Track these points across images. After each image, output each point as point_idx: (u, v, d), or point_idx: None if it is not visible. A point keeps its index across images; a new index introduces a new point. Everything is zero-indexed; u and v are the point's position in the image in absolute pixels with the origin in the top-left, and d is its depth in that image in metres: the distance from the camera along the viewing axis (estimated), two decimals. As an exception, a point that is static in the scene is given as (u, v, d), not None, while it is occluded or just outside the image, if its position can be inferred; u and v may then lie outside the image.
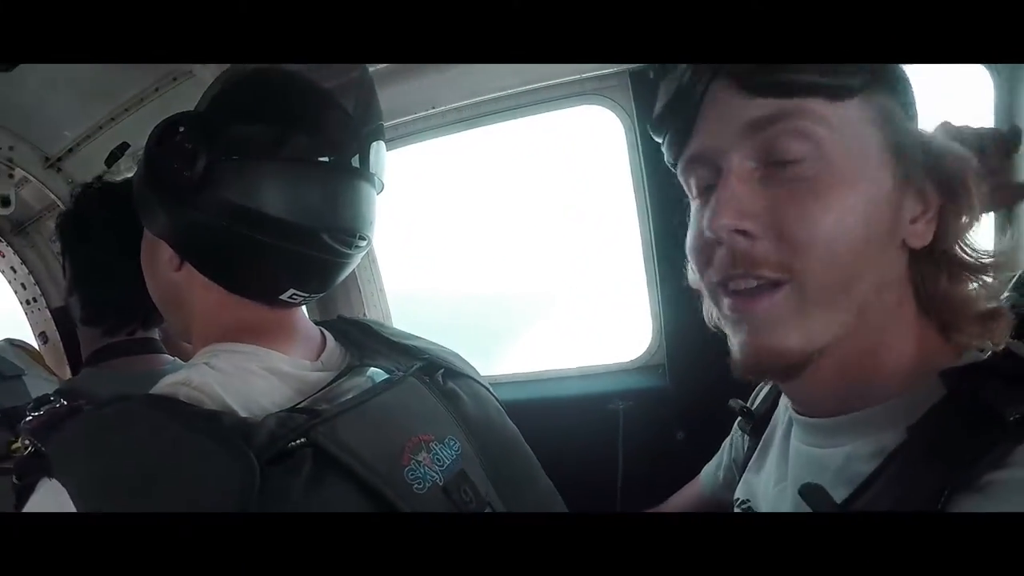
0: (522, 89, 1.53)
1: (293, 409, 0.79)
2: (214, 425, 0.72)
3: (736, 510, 0.88)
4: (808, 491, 0.63)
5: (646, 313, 1.82)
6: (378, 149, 0.96)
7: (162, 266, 0.93)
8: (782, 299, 0.62)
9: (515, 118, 1.63)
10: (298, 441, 0.73)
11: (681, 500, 1.20)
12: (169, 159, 0.86)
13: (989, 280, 0.65)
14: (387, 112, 1.00)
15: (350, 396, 0.85)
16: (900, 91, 0.64)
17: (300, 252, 0.89)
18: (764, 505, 0.81)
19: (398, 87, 1.40)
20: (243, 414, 0.77)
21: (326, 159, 0.89)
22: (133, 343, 1.34)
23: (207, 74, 1.33)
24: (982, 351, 0.63)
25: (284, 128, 0.87)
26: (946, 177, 0.63)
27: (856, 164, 0.61)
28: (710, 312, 0.82)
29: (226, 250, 0.88)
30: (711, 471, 1.14)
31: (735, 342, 0.67)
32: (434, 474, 0.82)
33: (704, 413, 1.12)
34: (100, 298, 1.31)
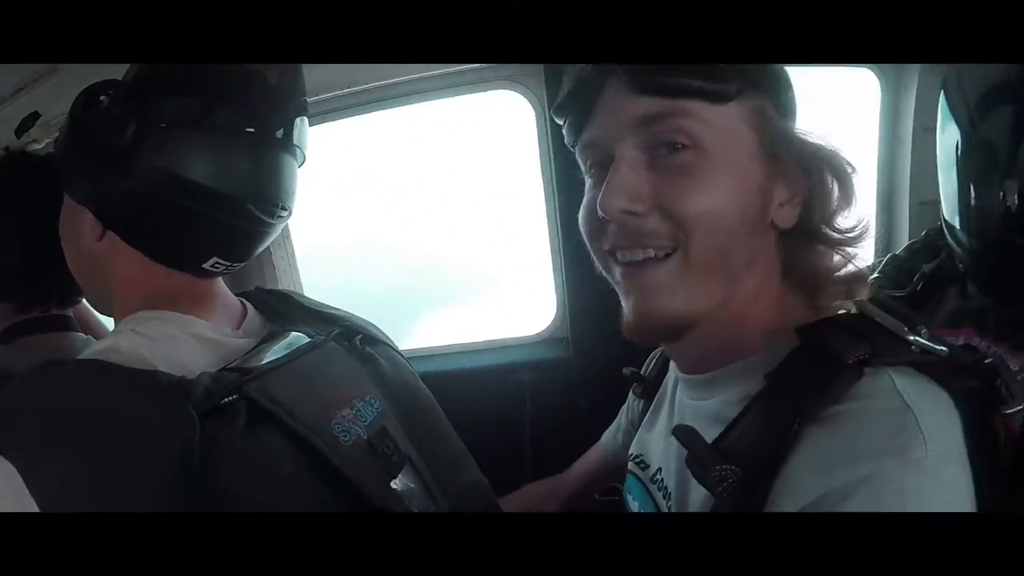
0: (438, 72, 1.56)
1: (224, 368, 0.82)
2: (151, 382, 0.74)
3: (630, 464, 0.96)
4: (681, 432, 0.71)
5: (550, 288, 1.91)
6: (302, 122, 0.98)
7: (83, 235, 0.92)
8: (669, 268, 0.71)
9: (430, 100, 1.67)
10: (232, 396, 0.76)
11: (585, 464, 1.29)
12: (97, 125, 0.85)
13: (850, 250, 0.77)
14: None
15: (276, 357, 0.88)
16: (776, 93, 0.74)
17: (225, 220, 0.91)
18: (655, 458, 0.90)
19: (316, 65, 1.41)
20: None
21: (252, 130, 0.90)
22: (46, 320, 1.29)
23: None
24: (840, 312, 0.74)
25: (211, 98, 0.88)
26: (813, 168, 0.74)
27: (730, 157, 0.71)
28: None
29: (152, 217, 0.89)
30: (611, 435, 1.24)
31: (626, 306, 0.76)
32: (358, 429, 0.87)
33: (605, 383, 1.20)
34: (14, 273, 1.25)
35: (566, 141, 0.81)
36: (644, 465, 0.93)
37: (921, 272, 1.19)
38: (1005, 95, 0.93)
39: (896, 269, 1.25)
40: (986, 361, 0.68)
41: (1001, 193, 0.91)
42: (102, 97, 0.87)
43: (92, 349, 0.82)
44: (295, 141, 0.97)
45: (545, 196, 1.75)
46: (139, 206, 0.88)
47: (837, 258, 0.77)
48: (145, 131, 0.84)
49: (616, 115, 0.71)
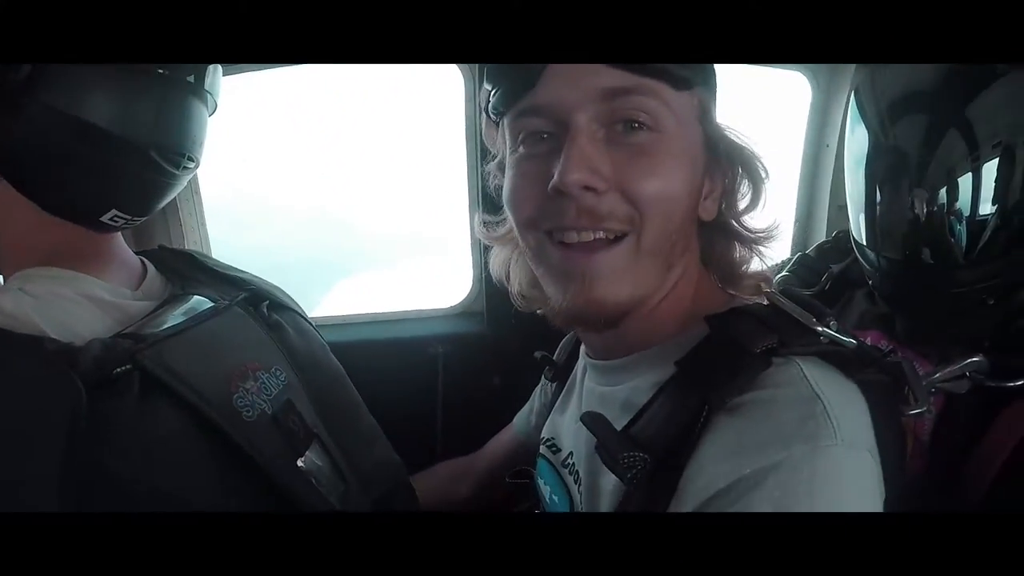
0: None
1: (118, 335, 0.75)
2: (35, 349, 0.68)
3: (541, 448, 0.96)
4: (589, 419, 0.70)
5: (467, 261, 1.88)
6: (215, 69, 0.92)
7: None
8: (620, 251, 0.69)
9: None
10: (124, 366, 0.70)
11: (497, 445, 1.28)
12: None
13: (760, 249, 0.79)
14: None
15: (174, 323, 0.82)
16: (714, 91, 0.75)
17: (126, 169, 0.83)
18: (567, 442, 0.90)
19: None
20: (58, 339, 0.72)
21: (162, 71, 0.83)
22: None
23: None
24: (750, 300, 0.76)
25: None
26: (731, 166, 0.76)
27: (684, 144, 0.70)
28: (500, 268, 0.93)
29: (46, 164, 0.80)
30: (524, 416, 1.23)
31: (561, 293, 0.72)
32: (262, 402, 0.82)
33: (519, 359, 1.18)
34: None
35: (491, 108, 0.76)
36: (556, 449, 0.93)
37: (829, 272, 1.23)
38: (918, 102, 0.95)
39: (805, 268, 1.29)
40: (892, 359, 0.70)
41: (910, 202, 0.94)
42: None
43: None
44: (207, 87, 0.90)
45: (467, 164, 1.70)
46: (32, 150, 0.79)
47: (749, 252, 0.80)
48: (43, 66, 0.75)
49: (574, 83, 0.67)
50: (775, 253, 0.82)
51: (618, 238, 0.69)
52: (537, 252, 0.75)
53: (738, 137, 0.76)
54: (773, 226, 0.79)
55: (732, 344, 0.65)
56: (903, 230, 0.96)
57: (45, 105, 0.77)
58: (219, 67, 0.94)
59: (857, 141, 1.02)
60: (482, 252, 1.78)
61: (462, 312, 1.91)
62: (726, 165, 0.76)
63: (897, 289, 1.03)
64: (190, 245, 1.67)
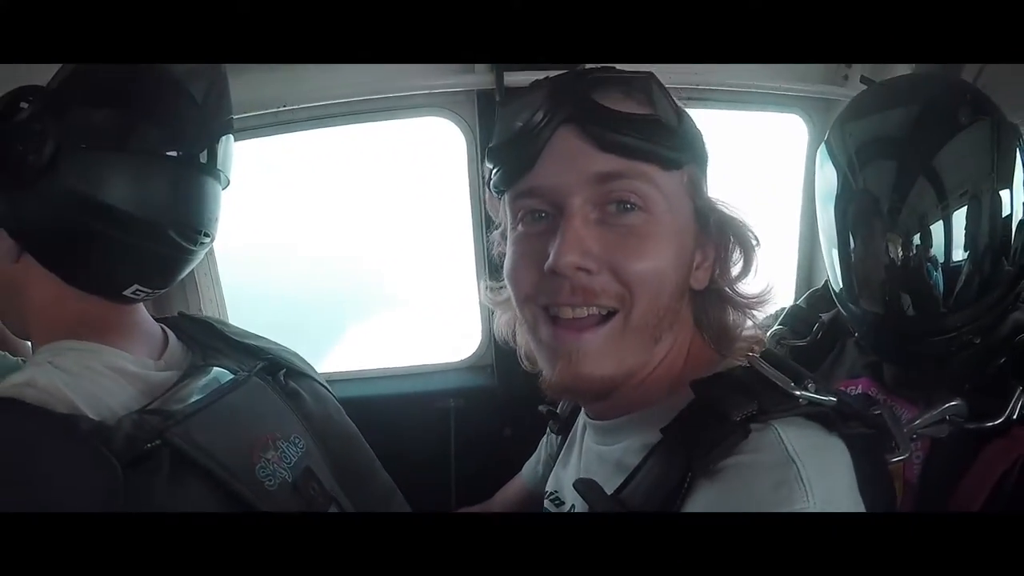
0: (375, 97, 1.56)
1: (145, 411, 0.79)
2: (71, 429, 0.71)
3: (546, 501, 0.98)
4: (581, 485, 0.73)
5: (476, 316, 1.92)
6: (227, 143, 0.97)
7: None
8: (608, 330, 0.72)
9: (362, 122, 1.66)
10: (154, 443, 0.73)
11: (506, 494, 1.29)
12: (15, 139, 0.82)
13: (754, 314, 0.82)
14: (236, 105, 1.00)
15: (198, 397, 0.85)
16: (705, 164, 0.79)
17: (145, 247, 0.88)
18: (569, 496, 0.92)
19: (250, 81, 1.38)
20: (92, 416, 0.75)
21: (174, 153, 0.88)
22: None
23: None
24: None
25: (135, 116, 0.86)
26: (723, 236, 0.79)
27: (674, 223, 0.74)
28: (505, 328, 0.96)
29: (69, 242, 0.85)
30: (531, 466, 1.25)
31: (550, 368, 0.76)
32: (283, 471, 0.85)
33: (529, 410, 1.19)
34: None
35: (492, 186, 0.80)
36: (559, 502, 0.95)
37: (820, 321, 1.24)
38: (886, 151, 0.99)
39: (797, 319, 1.30)
40: (874, 412, 0.74)
41: (884, 250, 0.97)
42: (22, 104, 0.84)
43: (8, 383, 0.77)
44: (219, 165, 0.95)
45: (473, 223, 1.76)
46: (56, 230, 0.85)
47: (743, 318, 0.82)
48: (64, 151, 0.81)
49: (569, 167, 0.71)
50: (770, 311, 0.86)
51: (609, 314, 0.72)
52: (532, 326, 0.78)
53: (728, 208, 0.79)
54: (766, 291, 0.82)
55: (714, 411, 0.67)
56: (879, 278, 0.99)
57: (66, 188, 0.82)
58: (231, 140, 0.98)
59: (827, 190, 1.06)
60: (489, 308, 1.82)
61: (472, 366, 1.95)
62: (717, 236, 0.79)
63: (877, 338, 1.06)
64: (207, 307, 1.72)
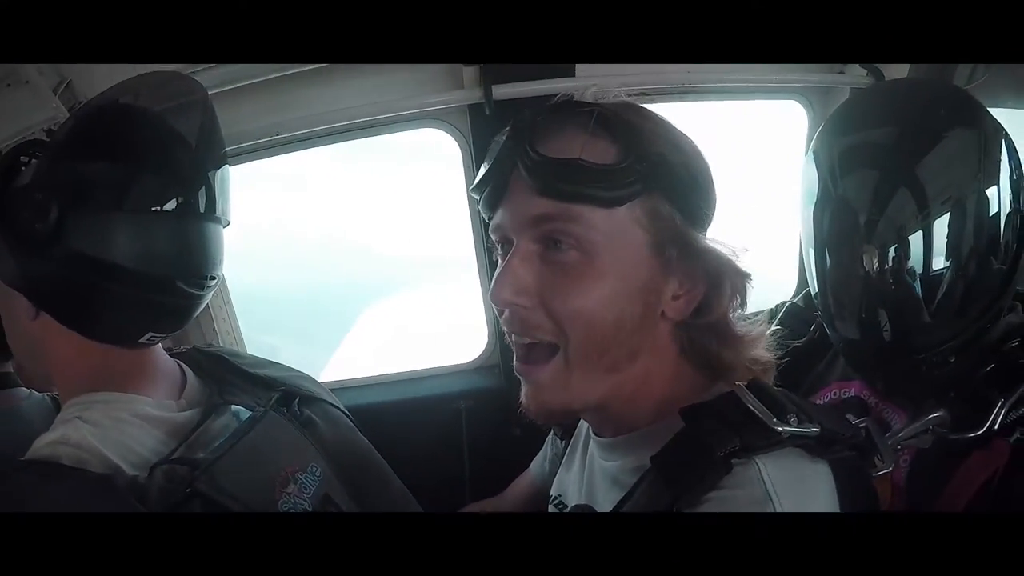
0: (374, 118, 1.58)
1: (173, 460, 0.84)
2: (109, 488, 0.76)
3: (550, 505, 1.01)
4: (580, 512, 0.79)
5: (481, 317, 1.95)
6: (223, 181, 0.99)
7: (18, 315, 0.92)
8: (552, 367, 0.76)
9: (359, 138, 1.68)
10: (185, 491, 0.78)
11: (516, 490, 1.34)
12: (18, 208, 0.85)
13: (748, 343, 0.82)
14: (230, 137, 1.03)
15: (220, 441, 0.89)
16: (679, 197, 0.76)
17: (154, 299, 0.92)
18: (572, 499, 0.96)
19: (242, 112, 1.40)
20: (124, 466, 0.80)
21: (174, 206, 0.91)
22: None
23: (43, 82, 1.26)
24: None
25: (132, 171, 0.88)
26: (711, 273, 0.78)
27: (615, 258, 0.74)
28: None
29: (81, 300, 0.89)
30: (539, 463, 1.29)
31: (522, 394, 0.81)
32: (303, 502, 0.90)
33: None
34: None
35: (482, 213, 0.84)
36: (563, 506, 0.98)
37: (817, 322, 1.23)
38: (872, 157, 0.99)
39: (794, 318, 1.29)
40: (860, 424, 0.77)
41: (860, 262, 0.98)
42: (24, 159, 0.88)
43: (42, 441, 0.82)
44: (218, 210, 0.98)
45: (472, 228, 1.78)
46: (67, 290, 0.88)
47: (736, 347, 0.82)
48: (68, 215, 0.84)
49: (516, 209, 0.76)
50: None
51: (553, 346, 0.76)
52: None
53: (711, 242, 0.79)
54: (759, 322, 0.84)
55: (700, 445, 0.70)
56: (856, 293, 1.00)
57: (72, 251, 0.85)
58: (227, 176, 1.01)
59: (808, 194, 1.07)
60: (495, 309, 1.84)
61: (480, 367, 1.98)
62: (703, 269, 0.78)
63: (858, 355, 1.08)
64: (220, 323, 1.77)
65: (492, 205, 0.79)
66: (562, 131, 0.75)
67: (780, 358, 0.84)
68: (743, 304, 0.81)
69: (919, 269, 0.96)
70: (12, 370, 1.27)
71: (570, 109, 0.77)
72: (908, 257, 0.95)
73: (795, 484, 0.68)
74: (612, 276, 0.74)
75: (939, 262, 0.96)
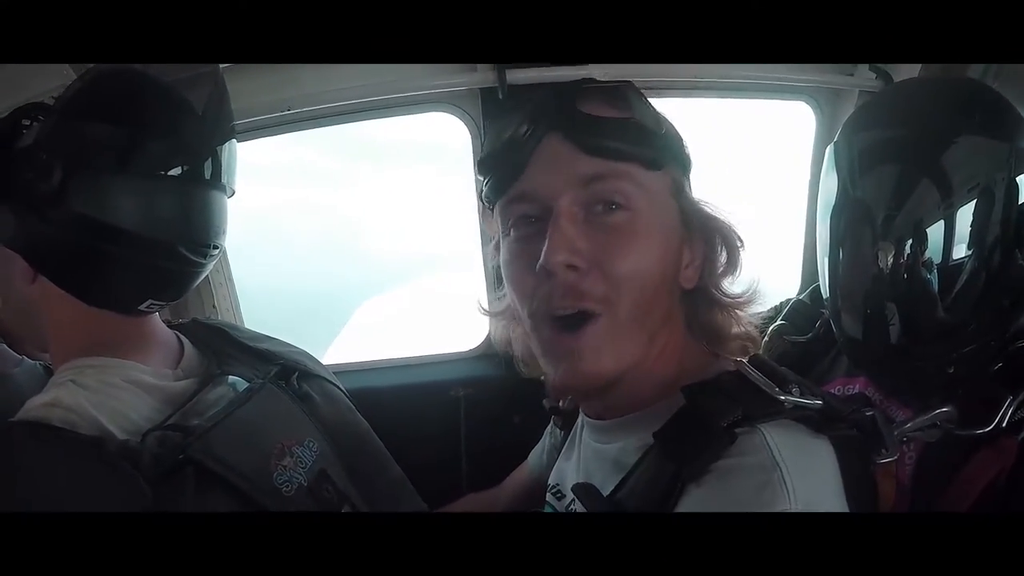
0: (384, 98, 1.58)
1: (167, 427, 0.83)
2: (99, 451, 0.74)
3: (548, 494, 1.01)
4: (578, 490, 0.79)
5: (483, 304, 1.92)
6: (230, 151, 0.99)
7: (16, 278, 0.91)
8: (601, 327, 0.75)
9: (368, 119, 1.67)
10: (178, 459, 0.77)
11: (515, 481, 1.33)
12: (21, 168, 0.84)
13: (740, 313, 0.85)
14: (239, 111, 1.02)
15: (216, 410, 0.89)
16: (687, 169, 0.82)
17: (156, 264, 0.91)
18: (570, 489, 0.93)
19: (251, 86, 1.39)
20: (116, 431, 0.79)
21: (179, 170, 0.91)
22: None
23: None
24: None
25: (137, 136, 0.88)
26: (708, 236, 0.82)
27: (658, 221, 0.77)
28: (501, 336, 1.00)
29: (82, 263, 0.88)
30: (538, 453, 1.28)
31: (553, 370, 0.79)
32: (299, 476, 0.89)
33: (537, 398, 1.20)
34: None
35: (484, 197, 0.84)
36: (560, 495, 0.98)
37: (823, 318, 1.23)
38: (891, 154, 0.98)
39: (798, 314, 1.30)
40: (866, 412, 0.76)
41: (875, 255, 0.97)
42: (24, 122, 0.86)
43: (34, 403, 0.81)
44: (223, 178, 0.97)
45: (479, 217, 1.77)
46: (67, 252, 0.87)
47: (730, 318, 0.85)
48: (72, 177, 0.84)
49: (557, 170, 0.75)
50: (761, 309, 0.88)
51: (598, 314, 0.75)
52: (532, 329, 0.81)
53: (712, 208, 0.83)
54: (751, 291, 0.85)
55: (702, 417, 0.70)
56: (866, 289, 0.99)
57: (76, 213, 0.85)
58: (234, 149, 1.01)
59: (827, 198, 1.05)
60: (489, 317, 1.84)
61: (481, 355, 1.97)
62: (702, 235, 0.82)
63: (865, 352, 1.06)
64: (220, 301, 1.76)
65: (512, 175, 0.78)
66: (607, 95, 0.77)
67: (784, 352, 0.84)
68: (738, 270, 0.84)
69: (937, 260, 0.94)
70: None
71: (599, 83, 0.79)
72: (926, 249, 0.94)
73: (801, 452, 0.68)
74: (658, 237, 0.76)
75: (961, 251, 0.94)
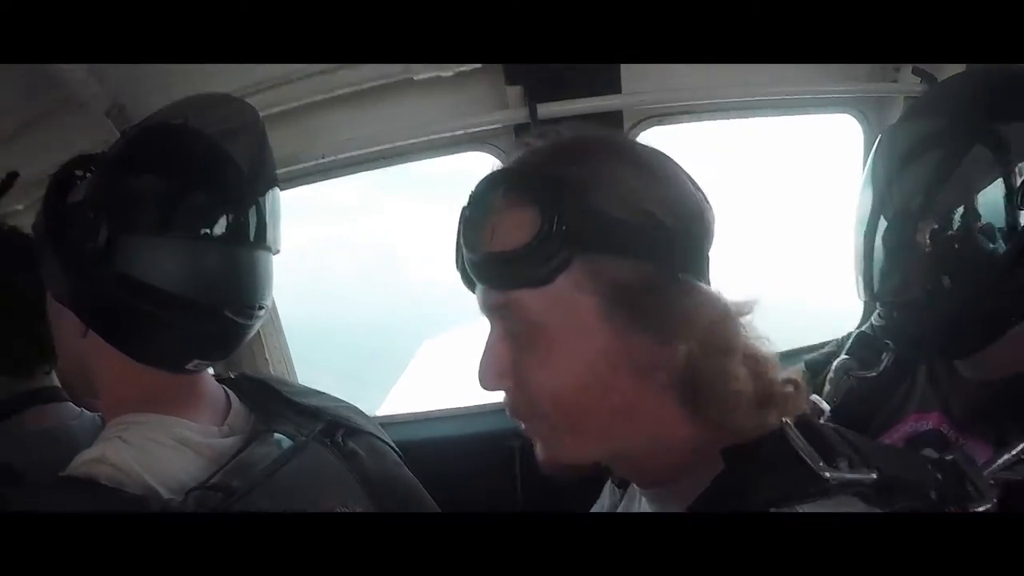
0: (421, 140, 1.58)
1: (209, 487, 0.81)
2: (141, 508, 0.74)
3: None
4: None
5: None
6: (274, 208, 0.98)
7: (67, 331, 0.92)
8: (544, 434, 0.74)
9: (404, 163, 1.68)
10: None
11: None
12: (70, 227, 0.85)
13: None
14: (278, 160, 1.02)
15: (259, 468, 0.87)
16: (632, 247, 0.68)
17: (202, 327, 0.91)
18: None
19: (284, 136, 1.41)
20: (160, 489, 0.79)
21: (223, 229, 0.90)
22: (42, 392, 1.19)
23: (99, 106, 1.30)
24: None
25: (181, 192, 0.88)
26: (691, 312, 0.69)
27: (566, 329, 0.69)
28: None
29: (128, 322, 0.88)
30: (597, 511, 1.22)
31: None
32: None
33: None
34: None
35: None
36: None
37: (889, 349, 1.11)
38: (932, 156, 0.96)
39: (863, 346, 1.16)
40: (945, 458, 0.69)
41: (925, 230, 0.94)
42: (80, 173, 0.88)
43: (81, 460, 0.81)
44: (268, 237, 0.96)
45: None
46: (114, 311, 0.87)
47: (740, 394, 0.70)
48: (117, 236, 0.84)
49: (479, 298, 0.75)
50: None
51: (534, 425, 0.74)
52: None
53: (702, 293, 0.70)
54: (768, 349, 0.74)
55: (736, 493, 0.64)
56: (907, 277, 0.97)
57: (120, 273, 0.84)
58: (278, 209, 0.99)
59: (866, 200, 1.05)
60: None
61: None
62: (667, 316, 0.69)
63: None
64: (271, 352, 1.77)
65: (473, 288, 0.78)
66: (482, 217, 0.71)
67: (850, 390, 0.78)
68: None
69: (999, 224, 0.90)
70: (59, 384, 1.22)
71: (489, 184, 0.72)
72: (979, 219, 0.91)
73: None
74: (564, 349, 0.70)
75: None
